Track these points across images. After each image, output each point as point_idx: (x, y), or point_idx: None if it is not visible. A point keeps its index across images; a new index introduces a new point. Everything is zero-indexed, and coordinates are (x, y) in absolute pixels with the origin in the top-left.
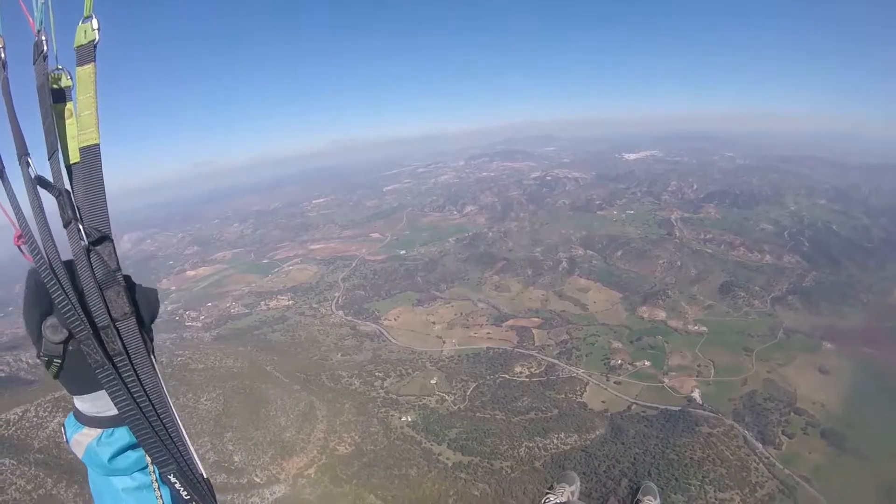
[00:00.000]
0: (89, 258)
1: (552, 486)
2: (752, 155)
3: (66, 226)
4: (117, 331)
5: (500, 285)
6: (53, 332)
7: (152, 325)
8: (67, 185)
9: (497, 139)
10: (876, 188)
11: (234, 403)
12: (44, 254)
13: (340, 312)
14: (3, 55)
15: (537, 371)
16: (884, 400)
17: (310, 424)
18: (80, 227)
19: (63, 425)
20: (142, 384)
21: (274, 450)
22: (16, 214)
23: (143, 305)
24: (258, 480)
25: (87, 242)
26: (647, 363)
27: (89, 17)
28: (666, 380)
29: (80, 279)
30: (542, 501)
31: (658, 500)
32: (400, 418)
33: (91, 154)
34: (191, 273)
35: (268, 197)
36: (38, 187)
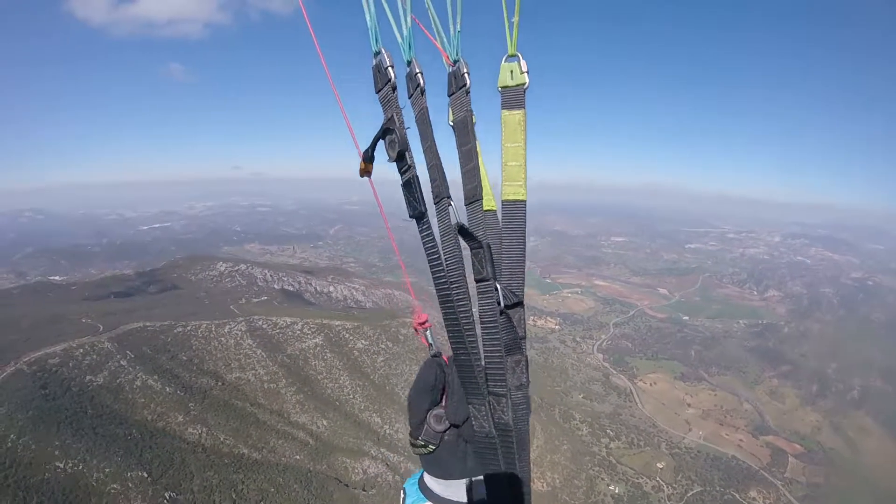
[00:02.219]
0: (500, 322)
1: None
2: None
3: (478, 281)
4: (511, 402)
5: (775, 392)
6: (437, 422)
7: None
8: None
9: (821, 220)
10: None
11: None
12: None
13: (600, 356)
14: (421, 81)
15: None
16: None
17: None
18: (498, 286)
19: (403, 488)
20: (517, 469)
21: None
22: (435, 265)
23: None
24: None
25: (502, 305)
26: None
27: (514, 57)
28: None
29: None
30: None
31: None
32: (608, 485)
33: (515, 209)
34: None
35: (572, 221)
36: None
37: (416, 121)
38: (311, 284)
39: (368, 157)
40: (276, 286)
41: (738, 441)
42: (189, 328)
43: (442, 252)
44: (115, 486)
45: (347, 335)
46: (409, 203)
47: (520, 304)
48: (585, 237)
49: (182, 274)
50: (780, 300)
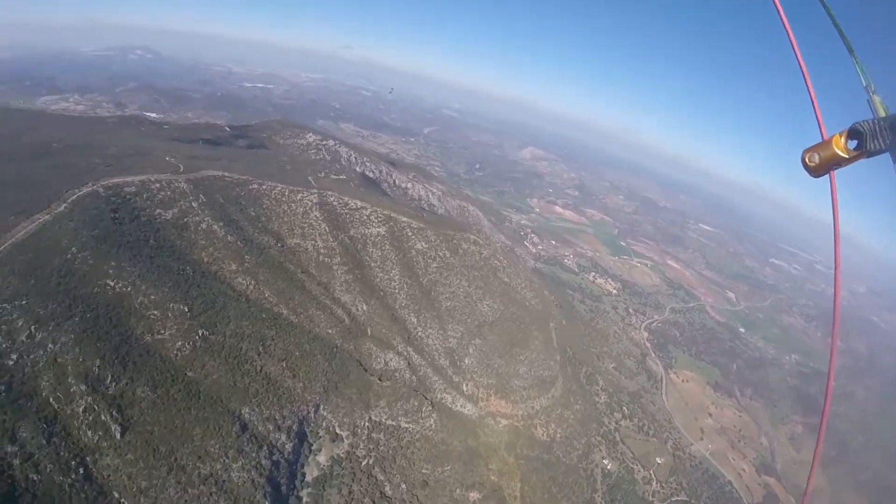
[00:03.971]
0: None
1: None
2: None
3: None
4: None
5: (796, 438)
6: None
7: None
8: None
9: None
10: None
11: (501, 325)
12: None
13: (645, 334)
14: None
15: None
16: None
17: (538, 392)
18: None
19: None
20: None
21: (495, 382)
22: None
23: None
24: (464, 389)
25: None
26: None
27: None
28: None
29: None
30: None
31: None
32: (603, 458)
33: None
34: (558, 209)
35: (664, 193)
36: None
37: None
38: (391, 176)
39: (877, 139)
40: (357, 168)
41: (741, 470)
42: (265, 187)
43: None
44: (155, 312)
45: (410, 233)
46: None
47: None
48: (672, 213)
49: (272, 136)
50: (840, 352)
